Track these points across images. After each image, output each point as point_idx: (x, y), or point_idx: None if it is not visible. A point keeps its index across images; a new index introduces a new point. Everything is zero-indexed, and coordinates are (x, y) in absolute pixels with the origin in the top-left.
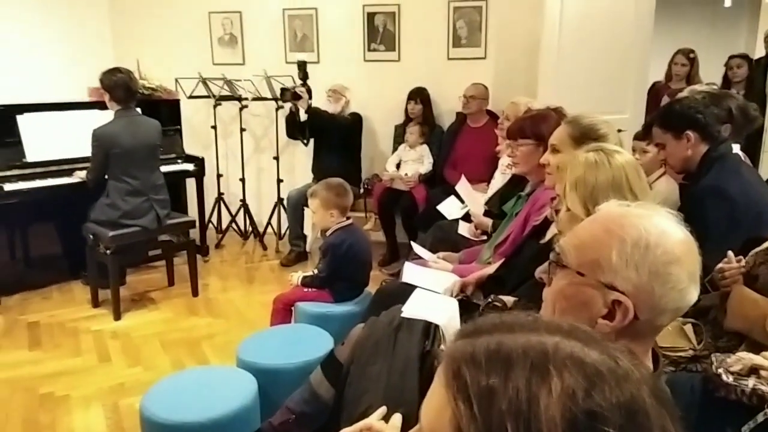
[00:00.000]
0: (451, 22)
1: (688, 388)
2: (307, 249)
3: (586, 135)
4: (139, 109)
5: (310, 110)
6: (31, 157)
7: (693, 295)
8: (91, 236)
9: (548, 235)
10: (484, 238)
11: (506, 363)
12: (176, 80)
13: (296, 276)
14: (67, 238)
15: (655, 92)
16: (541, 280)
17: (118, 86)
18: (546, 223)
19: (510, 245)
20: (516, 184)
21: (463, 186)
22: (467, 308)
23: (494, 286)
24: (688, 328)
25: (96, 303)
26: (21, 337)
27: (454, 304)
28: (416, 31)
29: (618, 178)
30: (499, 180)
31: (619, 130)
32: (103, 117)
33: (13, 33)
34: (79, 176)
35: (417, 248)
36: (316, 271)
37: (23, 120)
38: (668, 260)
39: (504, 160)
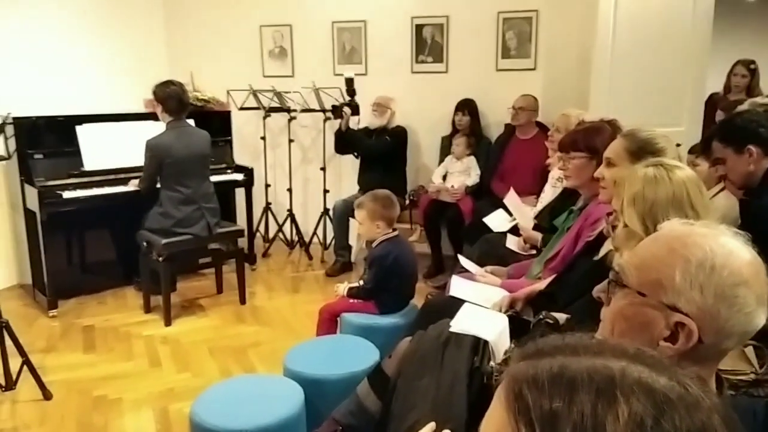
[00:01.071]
0: (500, 33)
1: (751, 413)
2: (352, 259)
3: (643, 149)
4: (191, 121)
5: (348, 131)
6: (89, 166)
7: (761, 318)
8: (144, 243)
9: (602, 252)
10: (533, 252)
11: (570, 387)
12: (228, 92)
13: (342, 287)
14: (121, 245)
15: (712, 104)
16: (599, 300)
17: (171, 98)
18: (600, 239)
19: (561, 261)
20: (567, 197)
21: (511, 199)
22: (517, 325)
23: (545, 303)
24: (749, 351)
25: (148, 308)
26: (76, 340)
27: (503, 320)
28: (464, 43)
29: (679, 194)
30: (549, 193)
31: (678, 144)
32: (157, 128)
33: (73, 47)
34: (134, 185)
35: (464, 261)
36: (361, 283)
37: (82, 130)
38: (735, 282)
39: (554, 173)
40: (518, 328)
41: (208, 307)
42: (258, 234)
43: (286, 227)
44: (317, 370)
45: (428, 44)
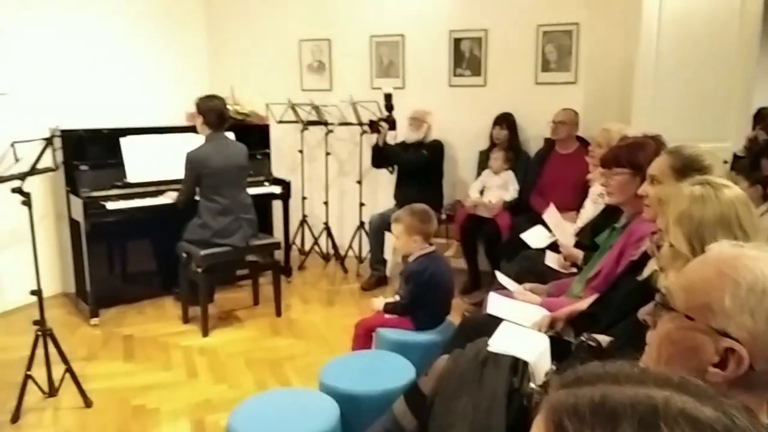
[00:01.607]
0: (539, 46)
1: None
2: (388, 274)
3: (689, 166)
4: (231, 134)
5: (385, 147)
6: (131, 177)
7: None
8: (184, 255)
9: (647, 272)
10: (574, 270)
11: (612, 417)
12: (267, 105)
13: (378, 301)
14: (161, 256)
15: (760, 119)
16: (644, 323)
17: (212, 111)
18: (644, 258)
19: (603, 280)
20: (609, 214)
21: (551, 215)
22: (558, 346)
23: (587, 323)
24: None
25: (186, 319)
26: (117, 349)
27: (543, 341)
28: (503, 56)
29: (727, 214)
30: (590, 209)
31: (725, 162)
32: (198, 141)
33: (119, 61)
34: (170, 197)
35: (502, 278)
36: (397, 298)
37: (126, 143)
38: None
39: (596, 189)
40: (559, 349)
41: (244, 318)
42: (294, 246)
43: (322, 240)
44: (353, 385)
45: (466, 58)
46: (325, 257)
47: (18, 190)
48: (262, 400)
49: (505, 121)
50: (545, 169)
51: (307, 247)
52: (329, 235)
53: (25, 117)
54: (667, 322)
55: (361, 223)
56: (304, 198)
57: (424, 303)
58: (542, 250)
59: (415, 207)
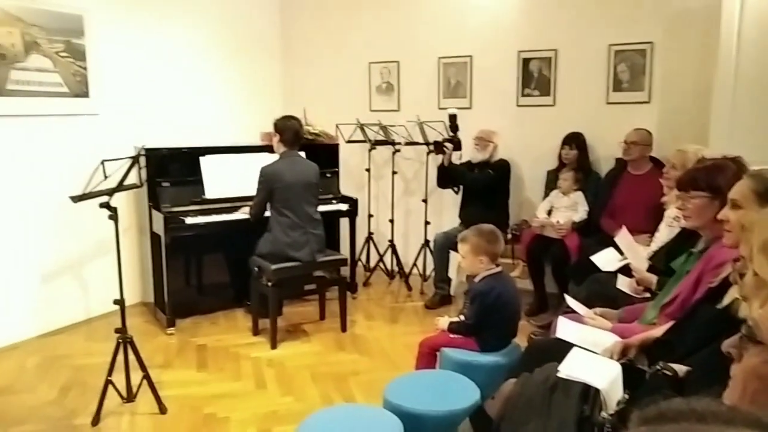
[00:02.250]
0: (611, 65)
1: None
2: (452, 293)
3: None
4: (303, 153)
5: (450, 167)
6: (209, 194)
7: None
8: (256, 269)
9: (727, 300)
10: (647, 295)
11: None
12: (337, 126)
13: (443, 321)
14: (234, 269)
15: None
16: (728, 355)
17: (289, 130)
18: (724, 286)
19: (680, 307)
20: (686, 238)
21: (623, 237)
22: (631, 374)
23: (661, 352)
24: None
25: (256, 331)
26: (190, 358)
27: (616, 368)
28: (573, 76)
29: None
30: (665, 233)
31: None
32: (272, 159)
33: (199, 84)
34: (243, 212)
35: (571, 302)
36: (462, 318)
37: (205, 161)
38: None
39: (671, 212)
40: (632, 378)
41: (311, 332)
42: (360, 263)
43: (387, 257)
44: (417, 404)
45: (535, 77)
46: (390, 274)
47: (106, 205)
48: (327, 415)
49: (575, 140)
50: (617, 190)
51: (372, 264)
52: (394, 252)
53: (114, 136)
54: (754, 355)
55: (426, 242)
56: (370, 215)
57: (490, 324)
58: (613, 274)
59: (482, 227)
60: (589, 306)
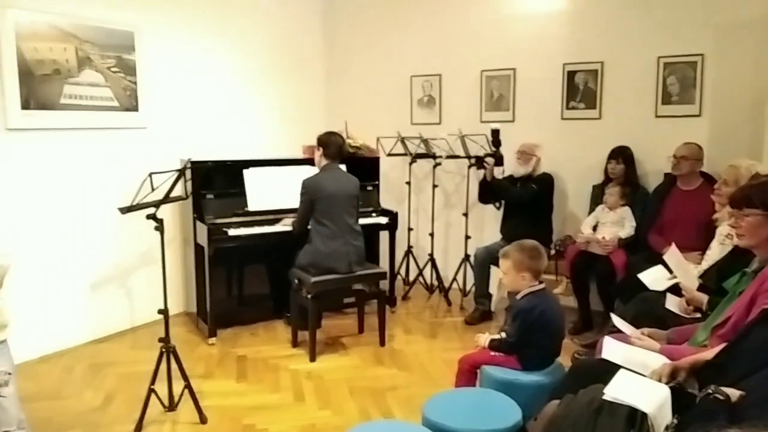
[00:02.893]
0: (660, 78)
1: None
2: (492, 308)
3: None
4: (343, 166)
5: (493, 181)
6: (252, 206)
7: None
8: (296, 281)
9: None
10: (698, 315)
11: None
12: (378, 139)
13: (483, 338)
14: (274, 281)
15: None
16: None
17: (333, 144)
18: None
19: (732, 328)
20: (739, 257)
21: (672, 255)
22: (680, 397)
23: (713, 375)
24: None
25: (295, 343)
26: (230, 369)
27: (664, 391)
28: (620, 88)
29: None
30: (716, 251)
31: None
32: (314, 172)
33: (244, 98)
34: (283, 224)
35: (617, 321)
36: (503, 335)
37: (248, 173)
38: None
39: (723, 229)
40: (681, 402)
41: (349, 345)
42: (399, 276)
43: (427, 271)
44: (457, 423)
45: (580, 90)
46: (429, 288)
47: (152, 216)
48: (367, 431)
49: (622, 154)
50: (665, 206)
51: (411, 278)
52: (434, 266)
53: (161, 149)
54: None
55: (467, 256)
56: (410, 229)
57: (532, 343)
58: (662, 293)
59: (525, 243)
60: (636, 326)
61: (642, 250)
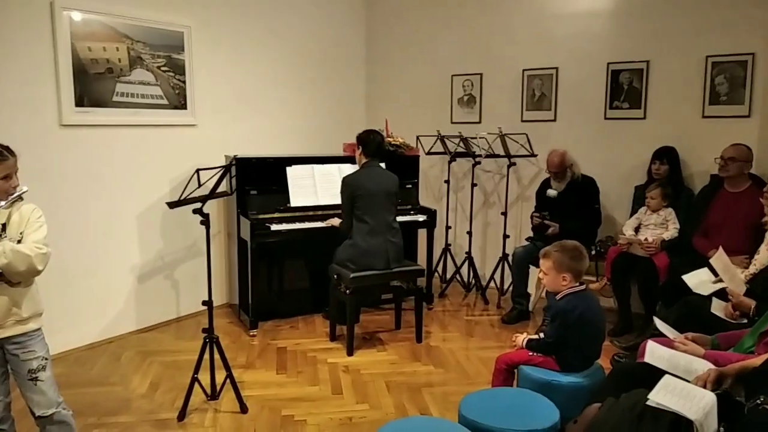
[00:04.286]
0: (708, 77)
1: None
2: (530, 308)
3: None
4: (383, 164)
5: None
6: (294, 202)
7: None
8: (335, 276)
9: None
10: (744, 321)
11: None
12: (417, 138)
13: (521, 337)
14: (314, 276)
15: None
16: None
17: (372, 142)
18: None
19: None
20: None
21: (719, 259)
22: (726, 405)
23: (761, 383)
24: None
25: (333, 337)
26: (271, 360)
27: (710, 398)
28: (666, 88)
29: None
30: (765, 255)
31: None
32: (353, 170)
33: (287, 97)
34: (331, 222)
35: (660, 324)
36: (542, 335)
37: (291, 171)
38: None
39: None
40: (727, 409)
41: (386, 341)
42: (436, 274)
43: (464, 269)
44: (493, 422)
45: (624, 90)
46: (466, 286)
47: (199, 211)
48: (403, 426)
49: (667, 155)
50: (711, 209)
51: (448, 275)
52: (471, 265)
53: (207, 146)
54: None
55: (504, 255)
56: (448, 227)
57: (571, 344)
58: (707, 297)
59: (566, 243)
60: (680, 330)
61: (686, 252)
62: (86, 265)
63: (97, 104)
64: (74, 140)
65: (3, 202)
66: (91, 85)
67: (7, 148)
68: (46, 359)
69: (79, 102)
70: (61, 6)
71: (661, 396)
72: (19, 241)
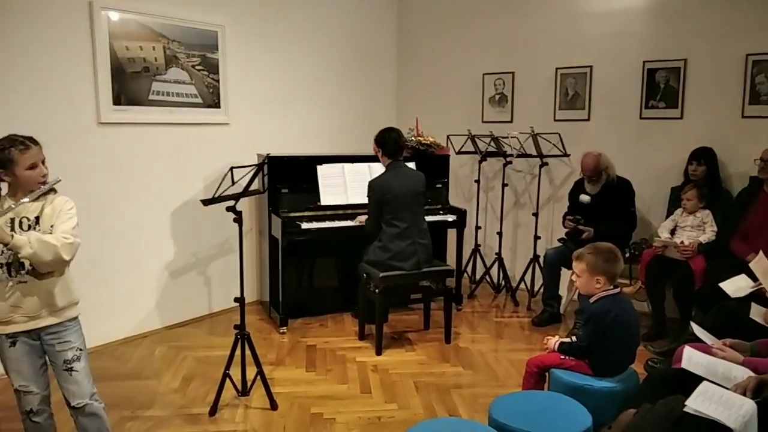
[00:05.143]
0: (748, 76)
1: None
2: (561, 311)
3: None
4: (412, 164)
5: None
6: (324, 201)
7: None
8: (364, 275)
9: None
10: None
11: None
12: (448, 137)
13: (553, 340)
14: (343, 274)
15: None
16: None
17: (389, 142)
18: None
19: None
20: None
21: (759, 263)
22: (767, 414)
23: None
24: None
25: (362, 336)
26: (300, 358)
27: (750, 406)
28: (704, 87)
29: None
30: None
31: None
32: (383, 169)
33: (318, 95)
34: (359, 221)
35: (697, 330)
36: (574, 339)
37: (321, 169)
38: None
39: None
40: None
41: (415, 341)
42: (465, 274)
43: (493, 270)
44: (525, 426)
45: (661, 89)
46: (496, 288)
47: (232, 209)
48: (432, 427)
49: (704, 156)
50: (751, 211)
51: (478, 276)
52: (501, 265)
53: (240, 144)
54: None
55: (535, 257)
56: (478, 227)
57: (605, 348)
58: (746, 302)
59: (600, 245)
60: (717, 336)
61: (724, 256)
62: (122, 260)
63: (133, 103)
64: (111, 138)
65: (30, 195)
66: (128, 84)
67: (30, 138)
68: (81, 350)
69: (117, 100)
70: (99, 6)
71: (700, 403)
72: (50, 233)
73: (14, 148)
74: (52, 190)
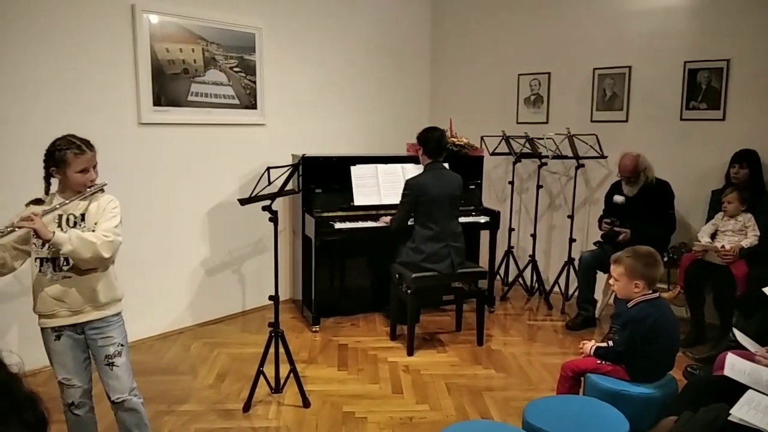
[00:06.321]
0: None
1: None
2: (596, 315)
3: None
4: (446, 164)
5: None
6: (357, 201)
7: None
8: (396, 276)
9: None
10: None
11: None
12: (482, 138)
13: (589, 345)
14: (375, 274)
15: None
16: None
17: (431, 141)
18: None
19: None
20: None
21: None
22: None
23: None
24: None
25: (393, 336)
26: (332, 357)
27: None
28: (748, 88)
29: None
30: None
31: None
32: (417, 170)
33: (353, 97)
34: (384, 221)
35: (740, 336)
36: (611, 343)
37: (355, 170)
38: None
39: None
40: None
41: (446, 342)
42: (498, 277)
43: (527, 273)
44: (560, 430)
45: (702, 90)
46: (529, 290)
47: (268, 208)
48: (468, 429)
49: (747, 158)
50: None
51: (511, 278)
52: (534, 268)
53: (275, 145)
54: None
55: (570, 259)
56: (511, 229)
57: (643, 353)
58: None
59: (639, 249)
60: (761, 343)
61: (766, 261)
62: (160, 257)
63: (173, 104)
64: (151, 138)
65: (77, 196)
66: (168, 85)
67: (86, 142)
68: (123, 345)
69: (157, 101)
70: (141, 9)
71: (745, 412)
72: (93, 231)
73: (70, 150)
74: (100, 190)
